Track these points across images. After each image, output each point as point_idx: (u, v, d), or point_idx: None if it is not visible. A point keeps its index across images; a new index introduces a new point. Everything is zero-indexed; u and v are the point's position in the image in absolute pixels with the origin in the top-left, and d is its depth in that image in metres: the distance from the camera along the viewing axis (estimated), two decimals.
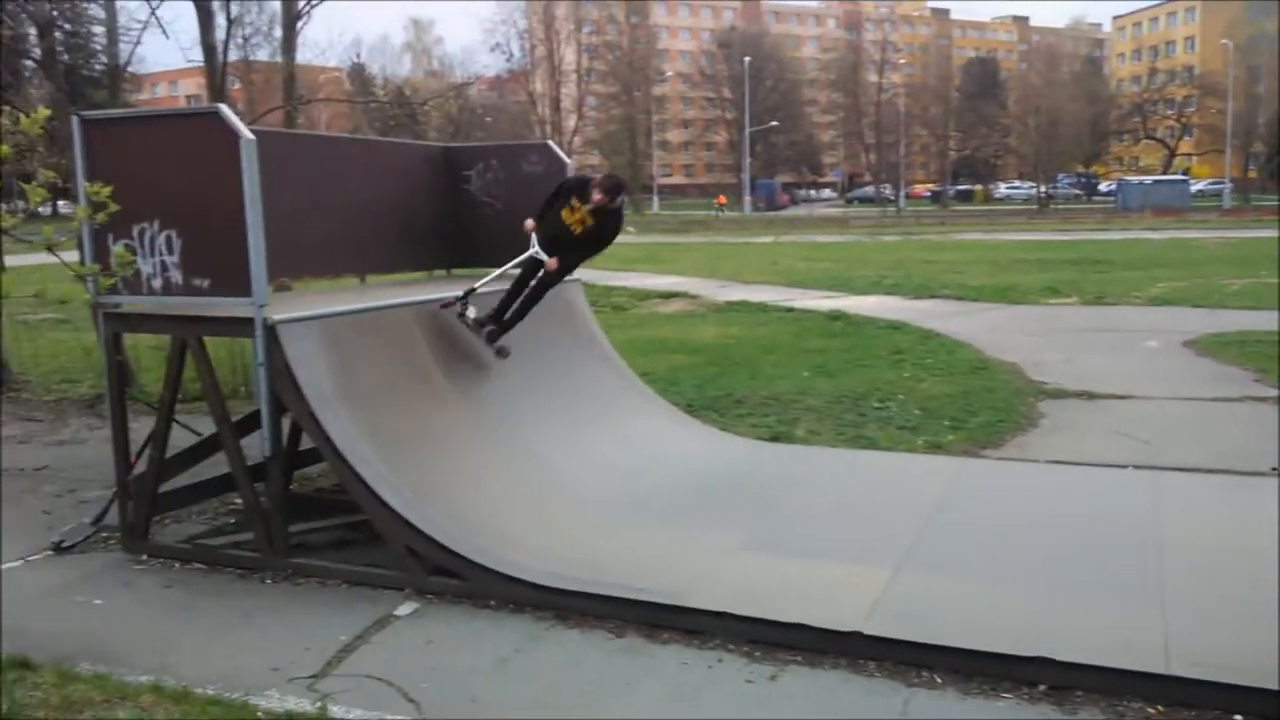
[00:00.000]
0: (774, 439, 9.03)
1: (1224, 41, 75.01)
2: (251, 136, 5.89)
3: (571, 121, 78.33)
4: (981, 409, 10.02)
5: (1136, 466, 8.00)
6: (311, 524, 6.75)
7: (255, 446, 6.41)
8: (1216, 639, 4.82)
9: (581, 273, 9.26)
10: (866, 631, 4.93)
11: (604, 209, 7.10)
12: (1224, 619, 5.07)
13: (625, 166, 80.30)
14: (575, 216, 7.16)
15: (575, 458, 7.38)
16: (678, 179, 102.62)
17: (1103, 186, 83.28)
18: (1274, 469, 7.82)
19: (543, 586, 5.47)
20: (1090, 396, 10.58)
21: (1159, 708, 4.37)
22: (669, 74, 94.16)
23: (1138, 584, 5.50)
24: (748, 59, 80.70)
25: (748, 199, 75.93)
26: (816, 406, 10.28)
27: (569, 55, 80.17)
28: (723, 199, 74.39)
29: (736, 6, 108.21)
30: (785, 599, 5.31)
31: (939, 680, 4.64)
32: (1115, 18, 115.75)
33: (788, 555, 6.02)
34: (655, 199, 79.26)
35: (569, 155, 10.31)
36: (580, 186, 7.17)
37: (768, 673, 4.77)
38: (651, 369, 11.93)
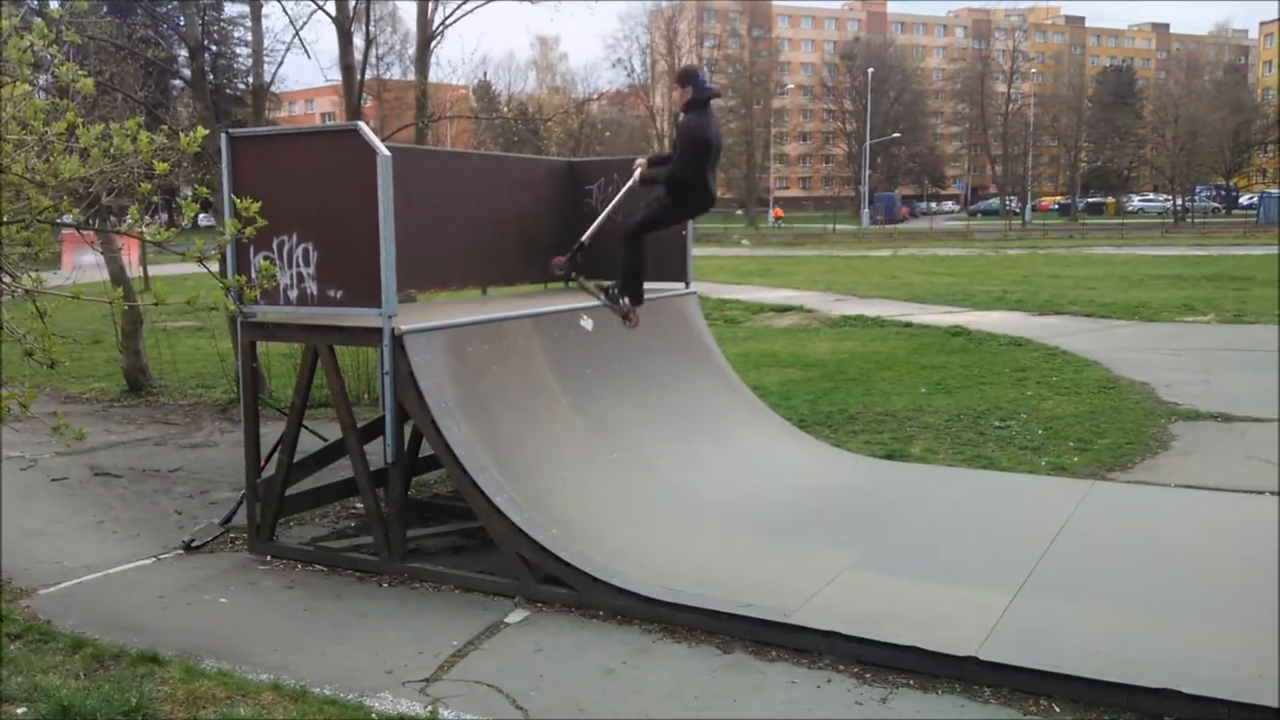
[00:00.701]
0: (888, 457, 8.88)
1: None
2: (388, 153, 6.11)
3: None
4: (1109, 430, 9.66)
5: (1273, 493, 7.59)
6: (428, 530, 6.94)
7: (377, 453, 6.62)
8: None
9: (696, 286, 9.33)
10: (982, 657, 4.80)
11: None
12: None
13: (741, 180, 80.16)
14: None
15: (686, 471, 7.40)
16: (794, 192, 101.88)
17: (1243, 199, 79.30)
18: None
19: (651, 599, 5.50)
20: (1226, 419, 10.08)
21: None
22: (789, 86, 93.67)
23: (1270, 616, 5.21)
24: (870, 70, 79.69)
25: (865, 212, 74.84)
26: (933, 424, 10.06)
27: None
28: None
29: (861, 18, 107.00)
30: (897, 620, 5.21)
31: (1057, 709, 4.49)
32: (1263, 23, 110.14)
33: (901, 575, 5.91)
34: (771, 212, 78.90)
35: None
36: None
37: (878, 695, 4.69)
38: (764, 383, 11.88)
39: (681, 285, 8.99)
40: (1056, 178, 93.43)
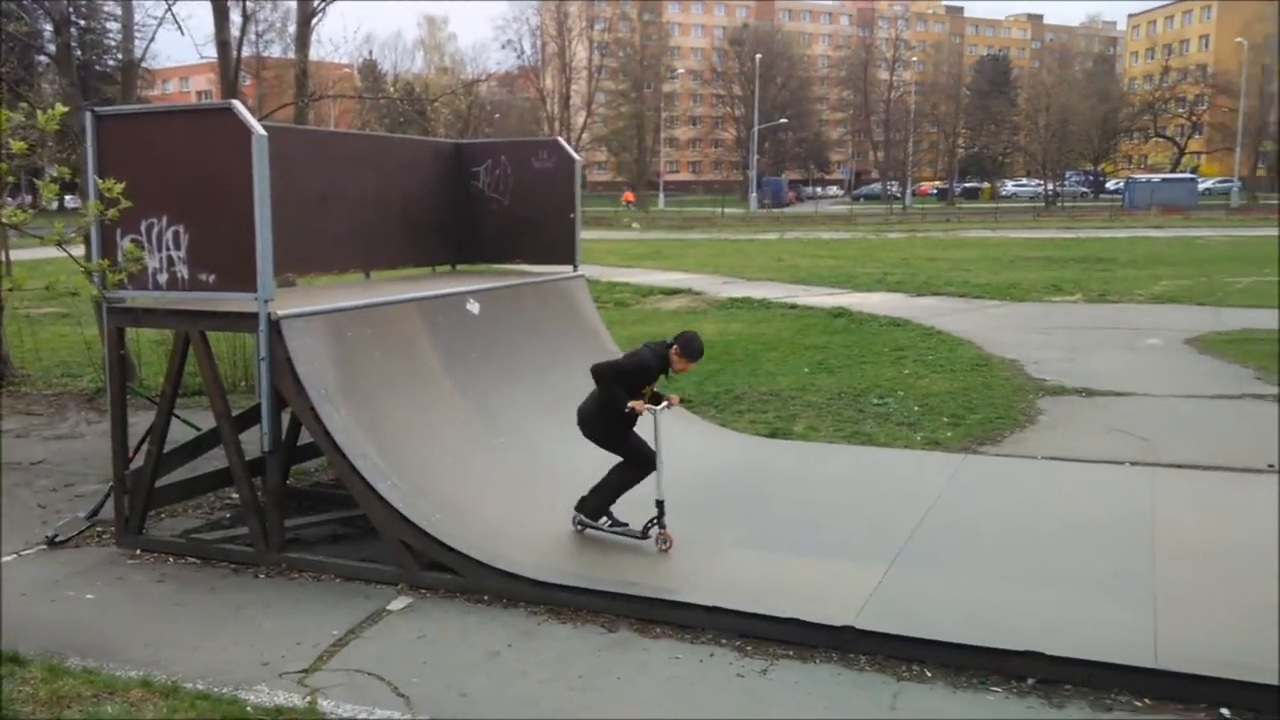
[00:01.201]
0: (772, 435, 9.05)
1: (1239, 40, 74.67)
2: (263, 133, 5.93)
3: (580, 118, 78.37)
4: (981, 406, 10.03)
5: (1133, 463, 8.01)
6: (308, 519, 6.79)
7: (254, 441, 6.45)
8: (1207, 634, 4.84)
9: (585, 269, 9.34)
10: (858, 626, 4.95)
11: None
12: (1215, 614, 5.08)
13: (633, 163, 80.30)
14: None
15: (573, 454, 7.38)
16: (684, 176, 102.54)
17: (1110, 184, 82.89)
18: (1270, 466, 7.83)
19: (536, 581, 5.50)
20: (1089, 394, 10.58)
21: (1146, 701, 4.39)
22: (680, 71, 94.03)
23: (1130, 580, 5.51)
24: (759, 56, 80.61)
25: (754, 196, 75.83)
26: (816, 403, 10.29)
27: (580, 52, 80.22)
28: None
29: (750, 4, 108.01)
30: (779, 594, 5.33)
31: (929, 674, 4.67)
32: (1130, 16, 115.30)
33: (783, 551, 6.05)
34: (661, 196, 79.23)
35: (577, 151, 10.35)
36: (662, 365, 6.13)
37: (759, 667, 4.79)
38: None
39: (569, 268, 8.99)
40: (936, 163, 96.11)
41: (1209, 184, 75.25)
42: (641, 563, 5.80)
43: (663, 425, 6.09)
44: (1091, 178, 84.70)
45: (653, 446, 6.10)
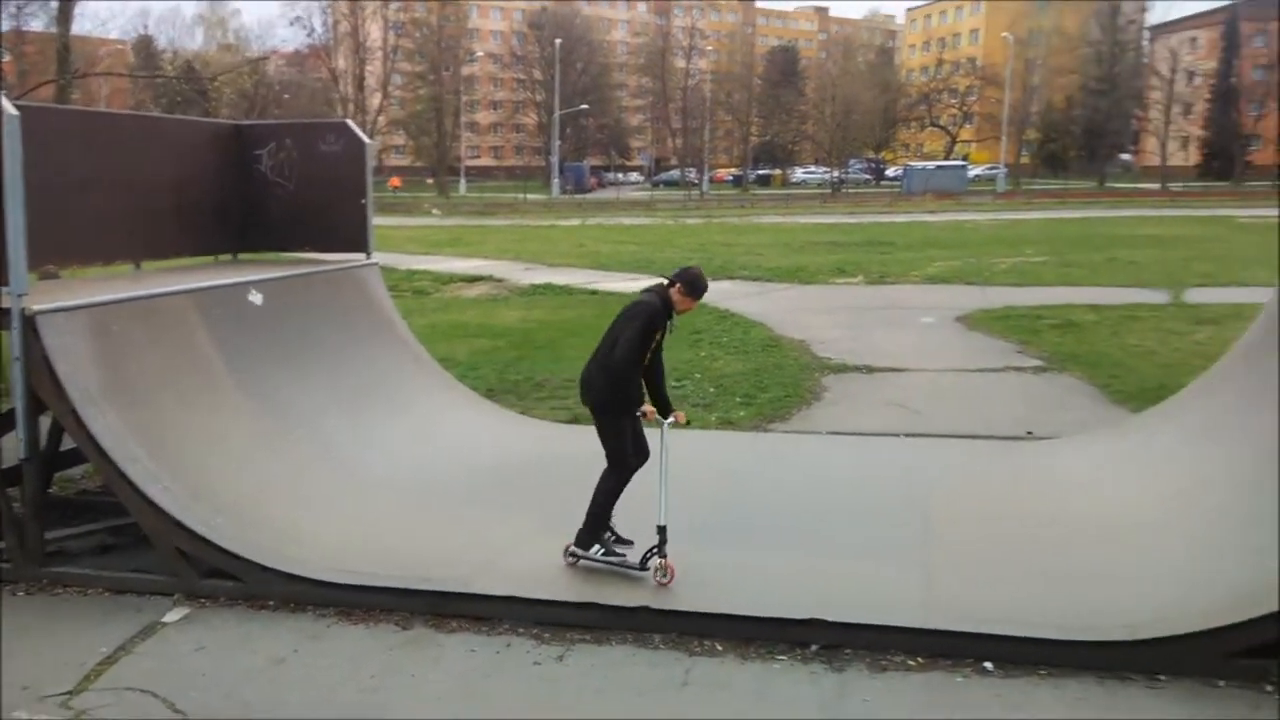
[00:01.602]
0: (573, 421, 9.09)
1: (1005, 35, 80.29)
2: (15, 112, 5.45)
3: (376, 100, 75.99)
4: (771, 385, 10.43)
5: (907, 434, 8.53)
6: (73, 529, 6.32)
7: (10, 449, 5.95)
8: (975, 594, 5.22)
9: (380, 257, 9.08)
10: (653, 606, 5.06)
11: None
12: (983, 575, 5.48)
13: (432, 148, 78.65)
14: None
15: (366, 448, 7.22)
16: (486, 161, 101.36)
17: (890, 171, 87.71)
18: (1029, 433, 8.50)
19: (323, 582, 5.33)
20: (869, 370, 11.18)
21: (919, 659, 4.69)
22: (479, 54, 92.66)
23: (905, 545, 5.87)
24: (559, 41, 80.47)
25: (555, 181, 75.86)
26: None
27: (374, 31, 77.58)
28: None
29: None
30: (576, 580, 5.38)
31: (719, 648, 4.83)
32: (909, 10, 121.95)
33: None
34: (463, 181, 78.07)
35: (372, 135, 10.03)
36: (667, 310, 5.62)
37: (555, 653, 4.82)
38: (453, 354, 11.79)
39: (362, 256, 8.70)
40: (731, 151, 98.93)
41: (979, 171, 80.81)
42: (438, 556, 5.72)
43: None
44: (874, 165, 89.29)
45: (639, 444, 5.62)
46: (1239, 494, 5.76)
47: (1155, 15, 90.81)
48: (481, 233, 35.33)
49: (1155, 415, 7.72)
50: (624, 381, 5.47)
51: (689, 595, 5.16)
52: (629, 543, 5.65)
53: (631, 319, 5.51)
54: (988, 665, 4.62)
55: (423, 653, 4.85)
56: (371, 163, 8.79)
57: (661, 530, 5.32)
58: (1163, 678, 4.47)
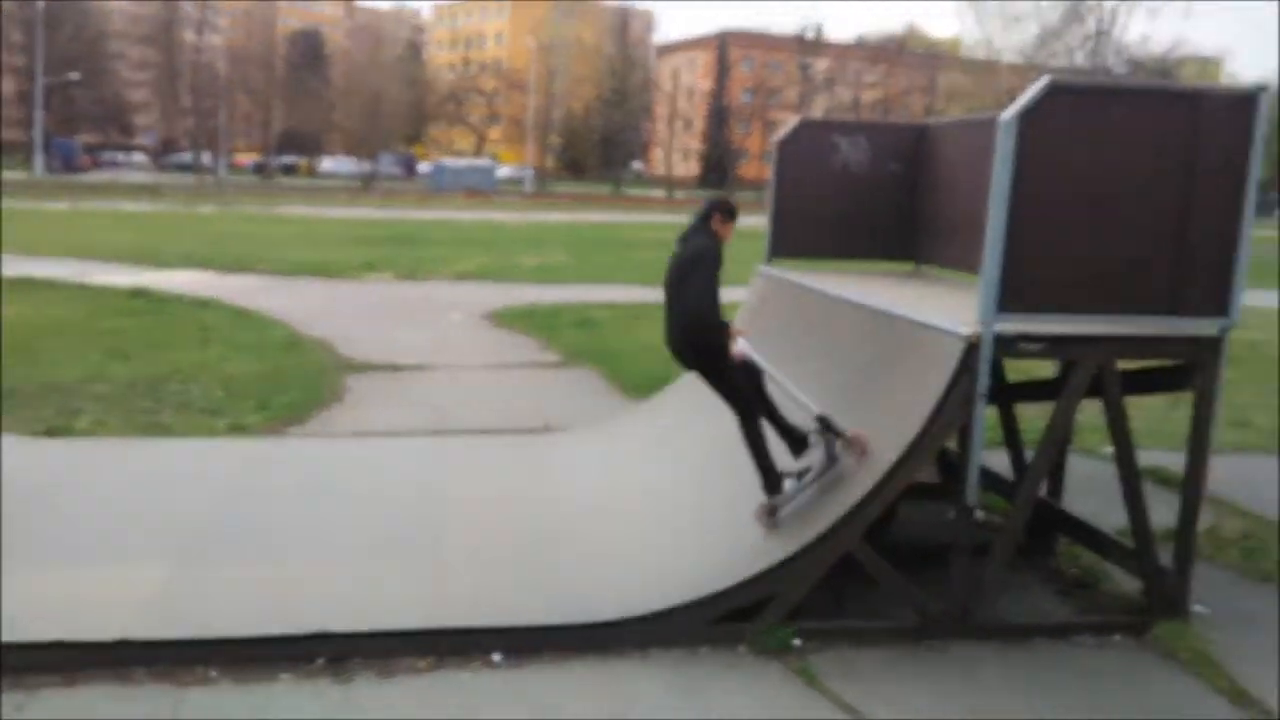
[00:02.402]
0: (49, 434, 7.99)
1: (529, 39, 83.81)
2: None
3: None
4: (290, 387, 9.93)
5: (432, 433, 8.54)
6: None
7: None
8: (483, 589, 5.30)
9: None
10: (133, 637, 4.53)
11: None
12: (490, 567, 5.60)
13: None
14: None
15: None
16: None
17: (421, 167, 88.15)
18: (545, 426, 8.89)
19: None
20: (395, 369, 11.07)
21: (429, 660, 4.66)
22: None
23: (422, 546, 5.84)
24: (41, 1, 70.53)
25: (40, 159, 66.65)
26: (106, 394, 9.31)
27: None
28: None
29: None
30: (43, 617, 4.68)
31: (214, 675, 4.44)
32: (435, 6, 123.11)
33: (50, 567, 5.32)
34: None
35: None
36: (718, 243, 5.46)
37: (16, 702, 4.15)
38: None
39: None
40: (252, 136, 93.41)
41: (508, 171, 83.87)
42: None
43: None
44: (405, 160, 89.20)
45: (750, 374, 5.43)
46: (720, 473, 6.43)
47: (660, 35, 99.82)
48: None
49: (653, 404, 8.41)
50: (716, 328, 5.25)
51: (179, 622, 4.71)
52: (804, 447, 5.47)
53: (696, 266, 5.25)
54: (495, 658, 4.72)
55: None
56: None
57: (821, 419, 5.26)
58: (653, 649, 4.86)
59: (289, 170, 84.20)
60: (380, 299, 16.57)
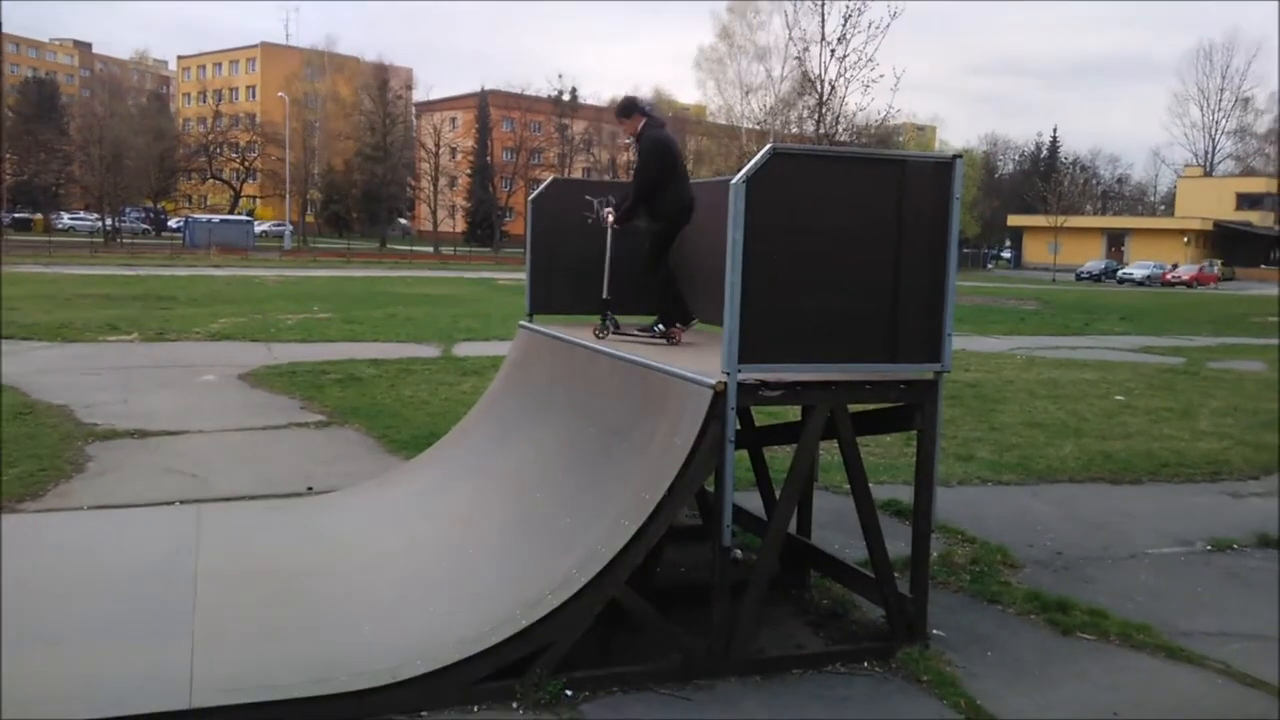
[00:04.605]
0: None
1: (281, 95, 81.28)
2: None
3: None
4: (22, 459, 9.18)
5: (183, 501, 8.10)
6: None
7: None
8: (245, 662, 5.05)
9: None
10: None
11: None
12: (251, 640, 5.36)
13: None
14: None
15: None
16: None
17: (171, 223, 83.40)
18: (309, 489, 8.63)
19: None
20: (142, 435, 10.44)
21: None
22: None
23: (171, 621, 5.51)
24: None
25: None
26: None
27: None
28: None
29: None
30: None
31: None
32: (180, 57, 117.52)
33: None
34: None
35: None
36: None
37: None
38: None
39: None
40: None
41: (265, 226, 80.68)
42: None
43: None
44: (153, 215, 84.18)
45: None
46: (490, 528, 6.48)
47: (420, 93, 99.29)
48: None
49: (421, 461, 8.34)
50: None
51: None
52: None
53: (648, 162, 7.05)
54: None
55: None
56: None
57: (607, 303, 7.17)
58: (424, 713, 4.80)
59: (23, 225, 77.53)
60: (125, 361, 15.55)
